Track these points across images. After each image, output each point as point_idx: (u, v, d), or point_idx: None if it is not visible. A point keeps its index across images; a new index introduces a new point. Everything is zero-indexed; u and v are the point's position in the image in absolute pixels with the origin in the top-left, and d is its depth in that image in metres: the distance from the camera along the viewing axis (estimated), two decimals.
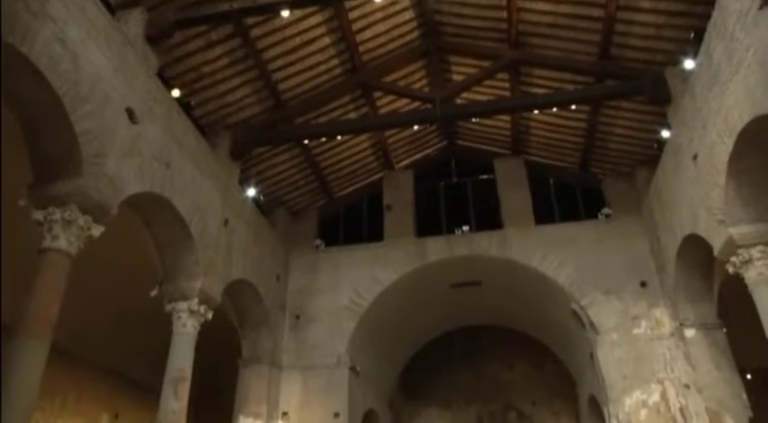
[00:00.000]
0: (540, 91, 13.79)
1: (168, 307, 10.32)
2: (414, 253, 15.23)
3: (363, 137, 15.73)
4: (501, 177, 16.33)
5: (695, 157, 9.94)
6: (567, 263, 14.16)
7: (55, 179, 7.46)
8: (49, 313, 7.02)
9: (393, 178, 17.03)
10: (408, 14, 13.23)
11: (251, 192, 13.89)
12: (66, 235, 7.39)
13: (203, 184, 10.98)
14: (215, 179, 11.56)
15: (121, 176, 8.37)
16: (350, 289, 15.00)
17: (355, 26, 12.67)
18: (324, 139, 14.60)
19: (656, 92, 11.44)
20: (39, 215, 7.38)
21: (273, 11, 10.53)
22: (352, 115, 14.74)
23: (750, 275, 8.80)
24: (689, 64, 10.47)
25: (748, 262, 8.79)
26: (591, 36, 12.06)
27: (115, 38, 8.49)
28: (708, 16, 8.87)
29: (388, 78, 14.06)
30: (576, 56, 12.68)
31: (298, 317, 14.91)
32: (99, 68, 7.97)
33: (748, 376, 13.75)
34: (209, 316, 10.68)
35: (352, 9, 12.17)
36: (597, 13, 11.43)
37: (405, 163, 17.28)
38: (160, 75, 10.13)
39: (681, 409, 11.97)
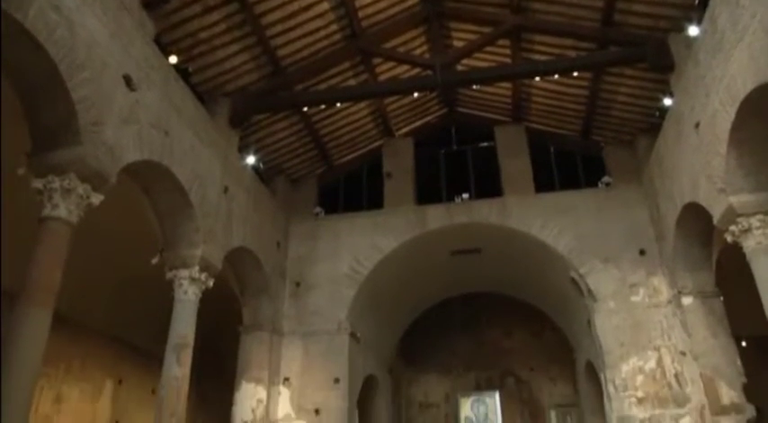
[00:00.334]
0: (542, 58, 13.63)
1: (169, 275, 10.39)
2: (414, 220, 15.26)
3: (363, 104, 15.59)
4: (501, 145, 16.26)
5: (697, 125, 9.87)
6: (566, 231, 14.20)
7: (54, 148, 7.42)
8: (50, 281, 7.06)
9: (393, 146, 16.96)
10: None
11: (250, 159, 13.85)
12: (65, 204, 7.38)
13: (202, 151, 10.94)
14: (214, 147, 11.51)
15: (120, 144, 8.33)
16: (350, 256, 15.07)
17: None
18: (323, 107, 14.46)
19: (658, 59, 11.31)
20: (38, 184, 7.36)
21: None
22: (352, 82, 14.59)
23: (749, 244, 8.82)
24: (693, 30, 10.34)
25: (747, 231, 8.80)
26: (593, 1, 11.88)
27: (111, 4, 8.35)
28: None
29: (388, 44, 13.89)
30: (579, 22, 12.49)
31: (298, 284, 15.02)
32: (95, 35, 7.86)
33: (743, 343, 13.88)
34: (210, 283, 10.76)
35: None
36: None
37: (405, 130, 17.18)
38: (157, 41, 10.00)
39: (676, 376, 12.16)
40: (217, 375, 16.06)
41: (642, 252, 13.55)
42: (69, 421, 13.10)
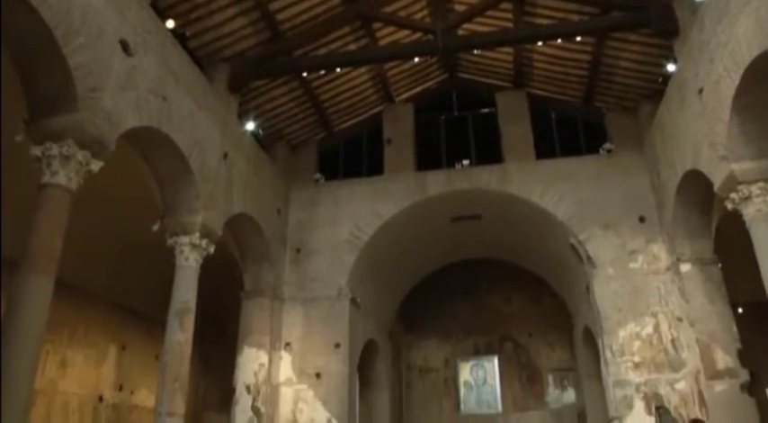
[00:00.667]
0: (544, 22, 13.42)
1: (170, 241, 10.43)
2: (414, 187, 15.24)
3: (363, 69, 15.41)
4: (502, 111, 16.13)
5: (700, 91, 9.78)
6: (566, 197, 14.19)
7: (51, 114, 7.37)
8: (52, 248, 7.09)
9: (393, 111, 16.83)
10: None
11: (250, 125, 13.76)
12: (65, 170, 7.36)
13: (201, 117, 10.86)
14: (213, 113, 11.43)
15: (118, 110, 8.27)
16: (350, 222, 15.09)
17: None
18: (323, 72, 14.30)
19: (663, 24, 11.14)
20: (36, 151, 7.33)
21: None
22: (352, 47, 14.38)
23: (749, 212, 8.82)
24: None
25: (748, 198, 8.79)
26: None
27: None
28: None
29: (389, 9, 13.63)
30: None
31: (298, 250, 15.08)
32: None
33: (739, 310, 14.04)
34: (211, 250, 10.80)
35: None
36: None
37: (405, 96, 17.02)
38: (153, 5, 9.80)
39: (672, 341, 12.33)
40: (219, 340, 16.26)
41: (642, 219, 13.57)
42: (75, 385, 13.32)
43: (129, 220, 11.89)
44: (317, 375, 13.63)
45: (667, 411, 7.53)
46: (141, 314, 15.37)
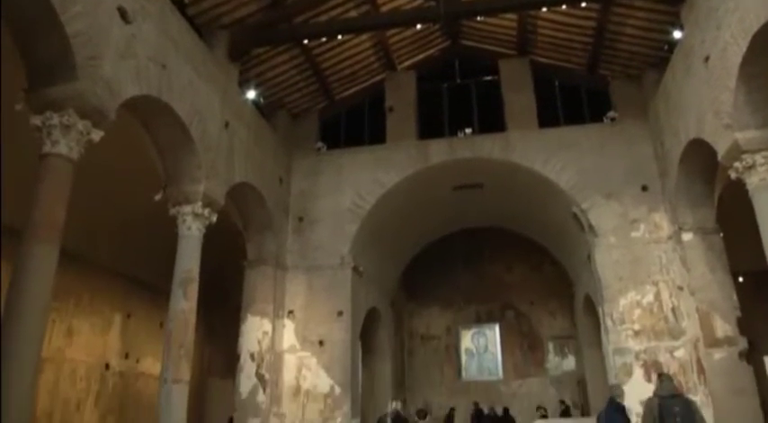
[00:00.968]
0: None
1: (173, 210, 10.44)
2: (416, 155, 15.18)
3: (364, 36, 15.20)
4: (505, 79, 15.97)
5: (706, 59, 9.66)
6: (569, 166, 14.14)
7: (51, 84, 7.32)
8: (54, 218, 7.11)
9: (395, 80, 16.68)
10: None
11: (251, 94, 13.67)
12: (65, 140, 7.35)
13: (201, 86, 10.77)
14: (213, 81, 11.32)
15: (118, 79, 8.20)
16: (352, 191, 15.08)
17: None
18: (324, 39, 14.11)
19: None
20: (37, 120, 7.30)
21: None
22: (353, 14, 14.15)
23: (752, 181, 8.80)
24: None
25: (751, 167, 8.75)
26: None
27: None
28: None
29: None
30: None
31: (301, 219, 15.10)
32: None
33: (740, 279, 14.09)
34: (214, 219, 10.82)
35: None
36: None
37: (407, 64, 16.84)
38: None
39: (673, 310, 12.42)
40: (223, 309, 16.43)
41: (644, 188, 13.54)
42: (81, 353, 13.51)
43: (132, 190, 11.89)
44: (320, 343, 13.79)
45: (669, 379, 7.60)
46: (145, 283, 15.49)
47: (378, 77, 16.77)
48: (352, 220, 14.82)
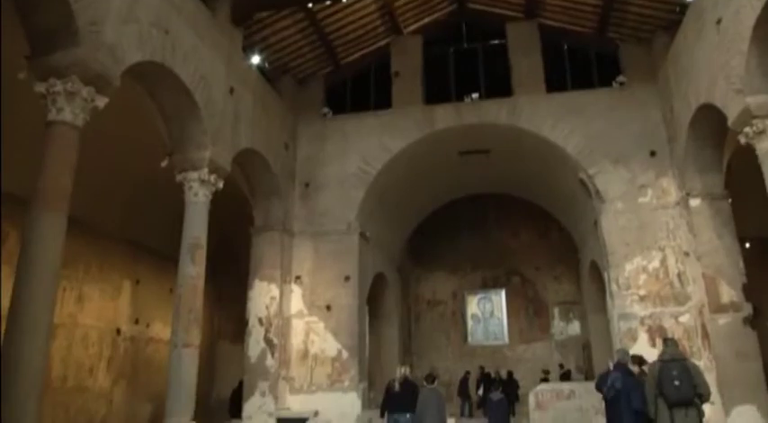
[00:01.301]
0: None
1: (179, 177, 10.45)
2: (422, 120, 15.07)
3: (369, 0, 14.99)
4: (513, 42, 15.72)
5: (719, 21, 9.46)
6: (577, 131, 14.02)
7: (53, 50, 7.26)
8: (61, 185, 7.14)
9: (401, 44, 16.44)
10: None
11: (255, 59, 13.54)
12: (70, 107, 7.33)
13: (205, 51, 10.66)
14: (217, 46, 11.20)
15: (121, 45, 8.13)
16: (358, 157, 15.04)
17: None
18: (328, 2, 13.86)
19: None
20: (41, 87, 7.27)
21: None
22: None
23: (762, 146, 8.68)
24: None
25: (762, 133, 8.64)
26: None
27: None
28: None
29: None
30: None
31: (307, 185, 15.09)
32: None
33: (747, 245, 14.06)
34: (220, 185, 10.83)
35: None
36: None
37: (413, 28, 16.57)
38: None
39: (679, 275, 12.44)
40: (231, 274, 16.57)
41: (653, 153, 13.42)
42: (92, 319, 13.70)
43: (140, 157, 11.88)
44: (328, 308, 13.94)
45: (674, 343, 7.68)
46: (154, 250, 15.59)
47: (383, 42, 16.54)
48: (358, 186, 14.81)
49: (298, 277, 14.28)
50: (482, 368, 18.58)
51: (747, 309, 10.98)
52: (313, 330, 13.89)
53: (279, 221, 13.99)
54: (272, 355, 13.08)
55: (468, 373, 18.80)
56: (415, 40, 16.45)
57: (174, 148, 10.49)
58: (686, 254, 12.29)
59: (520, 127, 14.51)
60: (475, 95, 15.46)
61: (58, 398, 12.25)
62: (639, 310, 12.43)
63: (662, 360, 7.32)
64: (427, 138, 15.02)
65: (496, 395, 11.64)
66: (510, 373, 18.28)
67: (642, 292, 12.52)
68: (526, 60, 15.33)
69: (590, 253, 15.90)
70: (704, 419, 7.11)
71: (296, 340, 13.87)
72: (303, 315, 14.02)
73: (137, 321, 15.33)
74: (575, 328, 20.36)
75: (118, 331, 14.58)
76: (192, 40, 10.16)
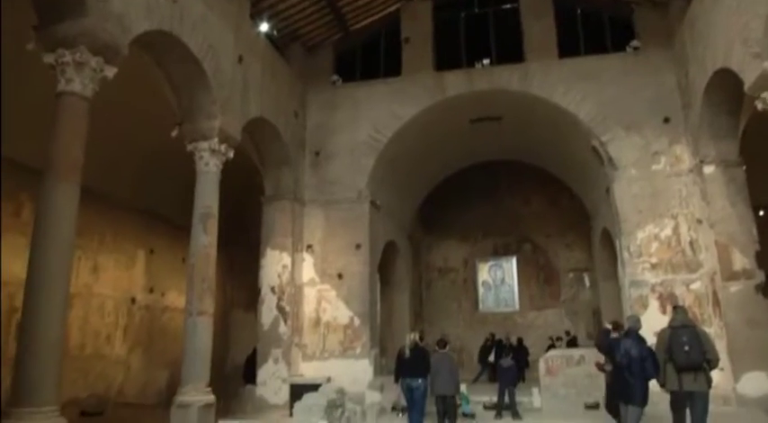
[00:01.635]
0: None
1: (190, 147, 10.48)
2: (432, 87, 14.92)
3: None
4: (525, 7, 15.43)
5: None
6: (589, 97, 13.83)
7: (60, 20, 7.23)
8: (73, 156, 7.19)
9: (411, 9, 16.17)
10: None
11: (263, 27, 13.38)
12: (79, 78, 7.33)
13: (213, 20, 10.56)
14: (225, 15, 11.09)
15: (128, 14, 8.08)
16: (368, 125, 14.95)
17: None
18: None
19: None
20: (50, 58, 7.26)
21: None
22: None
23: None
24: None
25: None
26: None
27: None
28: None
29: None
30: None
31: (317, 153, 15.06)
32: None
33: (761, 213, 13.94)
34: (231, 155, 10.85)
35: None
36: None
37: None
38: None
39: (691, 243, 12.38)
40: (243, 244, 16.69)
41: (667, 120, 13.24)
42: (108, 288, 13.93)
43: (151, 128, 11.89)
44: (339, 276, 14.04)
45: (684, 311, 7.68)
46: (168, 219, 15.71)
47: (393, 7, 16.27)
48: (368, 154, 14.76)
49: (309, 246, 14.36)
50: (492, 335, 18.72)
51: (760, 276, 10.96)
52: (325, 298, 14.02)
53: (289, 190, 14.01)
54: (285, 322, 13.25)
55: (491, 337, 18.49)
56: (425, 6, 16.17)
57: (183, 117, 10.48)
58: (699, 221, 12.21)
59: (532, 93, 14.33)
60: (486, 61, 15.24)
61: (77, 365, 12.55)
62: (651, 277, 12.43)
63: (672, 326, 7.35)
64: (438, 105, 14.89)
65: (507, 361, 11.75)
66: (520, 340, 18.41)
67: (654, 260, 12.50)
68: (538, 25, 15.07)
69: (602, 220, 15.84)
70: (712, 385, 7.15)
71: (308, 308, 14.02)
72: (315, 283, 14.14)
73: (151, 290, 15.56)
74: (585, 294, 20.40)
75: (133, 300, 14.81)
76: (200, 8, 10.07)
